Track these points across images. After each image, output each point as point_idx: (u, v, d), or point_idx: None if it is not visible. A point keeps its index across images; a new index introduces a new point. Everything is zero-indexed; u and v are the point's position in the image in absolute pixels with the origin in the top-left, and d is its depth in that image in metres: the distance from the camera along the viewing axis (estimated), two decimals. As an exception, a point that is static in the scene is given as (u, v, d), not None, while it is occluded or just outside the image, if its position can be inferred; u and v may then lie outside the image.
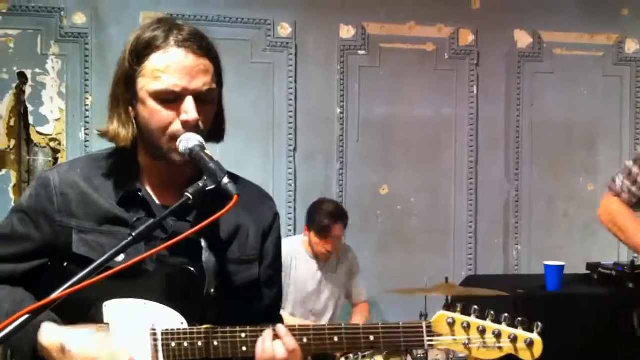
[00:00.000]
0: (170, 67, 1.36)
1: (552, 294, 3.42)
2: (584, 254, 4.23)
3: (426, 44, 4.37)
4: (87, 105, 3.99)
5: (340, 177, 4.25)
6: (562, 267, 3.44)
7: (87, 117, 3.98)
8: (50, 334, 1.32)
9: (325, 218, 3.61)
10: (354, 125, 4.27)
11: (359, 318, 3.79)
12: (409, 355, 3.00)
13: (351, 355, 3.00)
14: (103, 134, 1.46)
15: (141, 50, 1.38)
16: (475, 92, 4.39)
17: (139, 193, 1.44)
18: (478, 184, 4.41)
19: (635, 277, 3.47)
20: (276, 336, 1.34)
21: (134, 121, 1.43)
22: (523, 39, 4.46)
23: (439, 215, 4.39)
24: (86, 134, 3.98)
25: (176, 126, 1.37)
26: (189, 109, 1.36)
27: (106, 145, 1.53)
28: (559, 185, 4.50)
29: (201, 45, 1.40)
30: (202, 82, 1.38)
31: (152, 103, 1.37)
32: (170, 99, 1.37)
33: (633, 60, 4.54)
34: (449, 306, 1.33)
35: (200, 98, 1.38)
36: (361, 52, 4.29)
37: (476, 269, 4.39)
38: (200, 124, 1.38)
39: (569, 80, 4.50)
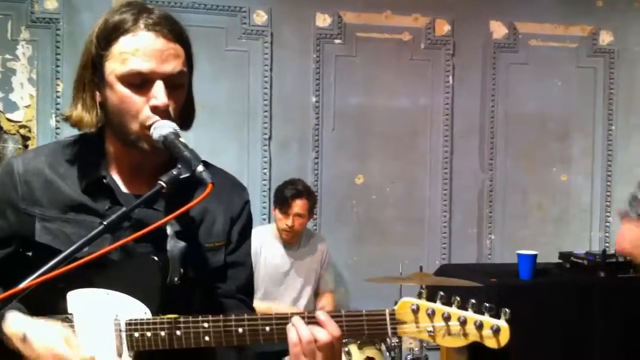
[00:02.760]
0: (139, 50, 1.33)
1: (524, 283, 3.46)
2: (557, 244, 4.28)
3: (402, 34, 4.36)
4: (58, 91, 3.93)
5: (316, 166, 4.24)
6: (534, 256, 3.47)
7: (58, 103, 3.91)
8: (14, 323, 1.29)
9: (287, 192, 3.62)
10: (330, 114, 4.26)
11: (321, 306, 3.79)
12: (382, 344, 3.01)
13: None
14: (66, 119, 1.43)
15: (109, 34, 1.35)
16: (450, 82, 4.40)
17: (104, 180, 1.41)
18: (453, 174, 4.42)
19: (607, 266, 3.52)
20: (316, 323, 1.29)
21: (98, 106, 1.39)
22: (499, 29, 4.47)
23: (414, 205, 4.40)
24: (57, 121, 3.92)
25: (146, 112, 1.34)
26: (159, 94, 1.33)
27: (77, 132, 1.49)
28: (533, 176, 4.53)
29: (172, 29, 1.37)
30: (172, 66, 1.35)
31: (120, 87, 1.34)
32: (139, 84, 1.33)
33: (607, 52, 4.57)
34: (421, 294, 1.29)
35: (171, 83, 1.35)
36: (337, 41, 4.26)
37: (450, 258, 4.41)
38: (171, 109, 1.36)
39: (543, 71, 4.52)
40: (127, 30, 1.34)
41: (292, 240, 3.72)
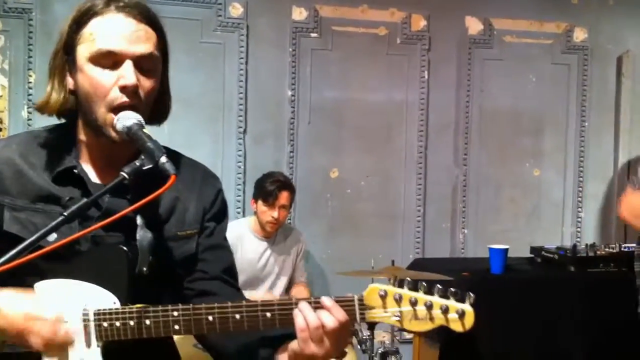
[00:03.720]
0: (108, 29, 1.34)
1: (496, 277, 3.49)
2: (529, 239, 4.33)
3: (379, 28, 4.37)
4: (31, 82, 3.88)
5: (291, 160, 4.24)
6: (505, 250, 3.51)
7: (30, 94, 3.87)
8: None
9: (272, 185, 3.64)
10: (305, 108, 4.26)
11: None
12: (353, 337, 3.02)
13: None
14: (35, 107, 1.43)
15: (81, 17, 1.36)
16: (426, 77, 4.42)
17: (74, 170, 1.41)
18: (427, 169, 4.45)
19: (576, 260, 3.57)
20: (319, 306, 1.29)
21: (67, 92, 1.40)
22: (474, 25, 4.50)
23: (389, 199, 4.42)
24: (29, 112, 3.87)
25: (114, 93, 1.34)
26: (127, 73, 1.33)
27: (49, 124, 1.50)
28: (506, 171, 4.58)
29: (142, 12, 1.37)
30: (143, 47, 1.35)
31: (90, 68, 1.34)
32: (109, 64, 1.34)
33: (581, 49, 4.63)
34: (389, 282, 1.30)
35: (141, 65, 1.35)
36: (313, 35, 4.26)
37: (424, 252, 4.44)
38: (140, 92, 1.35)
39: (518, 67, 4.55)
40: (97, 13, 1.35)
41: (270, 233, 3.72)
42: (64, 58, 1.38)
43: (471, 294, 1.24)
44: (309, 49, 4.26)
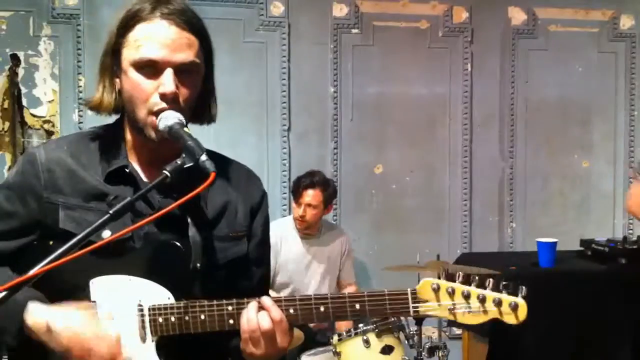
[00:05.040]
0: (152, 37, 1.36)
1: (544, 271, 3.44)
2: (579, 231, 4.25)
3: (420, 22, 4.34)
4: (80, 86, 3.98)
5: (335, 156, 4.25)
6: (554, 243, 3.45)
7: (81, 98, 3.96)
8: (36, 313, 1.31)
9: (300, 182, 3.66)
10: (348, 104, 4.27)
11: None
12: (401, 332, 3.02)
13: (344, 333, 3.01)
14: (87, 103, 1.47)
15: (127, 22, 1.39)
16: (469, 69, 4.38)
17: (126, 169, 1.44)
18: (472, 162, 4.41)
19: (628, 252, 3.49)
20: (261, 307, 1.34)
21: (117, 91, 1.43)
22: (517, 15, 4.44)
23: (434, 194, 4.39)
24: (80, 116, 3.98)
25: (154, 99, 1.37)
26: (167, 81, 1.36)
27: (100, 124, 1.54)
28: (554, 163, 4.50)
29: (187, 19, 1.39)
30: (183, 55, 1.38)
31: (133, 74, 1.37)
32: (150, 71, 1.37)
33: (628, 36, 4.52)
34: (438, 276, 1.31)
35: (181, 72, 1.38)
36: (354, 31, 4.27)
37: (471, 247, 4.40)
38: (180, 98, 1.38)
39: (563, 56, 4.48)
40: (143, 18, 1.38)
41: (309, 231, 3.74)
42: (111, 59, 1.42)
43: (523, 287, 1.24)
44: (350, 45, 4.26)
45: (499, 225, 4.48)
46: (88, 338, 1.29)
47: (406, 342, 3.08)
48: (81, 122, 3.97)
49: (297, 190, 3.67)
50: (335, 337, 3.04)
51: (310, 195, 3.62)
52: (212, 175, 1.25)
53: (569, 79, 4.49)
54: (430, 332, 4.13)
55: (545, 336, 3.22)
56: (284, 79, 4.18)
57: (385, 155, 4.33)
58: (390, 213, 4.34)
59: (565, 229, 4.36)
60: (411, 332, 3.04)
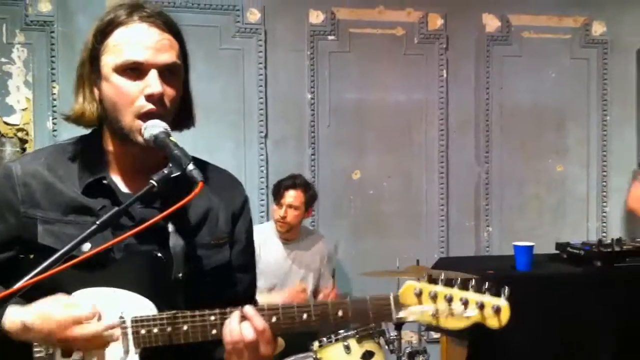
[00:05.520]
0: (133, 39, 1.36)
1: (521, 274, 3.47)
2: (554, 235, 4.29)
3: (396, 29, 4.37)
4: (54, 94, 3.93)
5: (312, 162, 4.26)
6: (531, 247, 3.48)
7: (55, 106, 3.92)
8: (11, 316, 1.29)
9: (281, 184, 3.68)
10: (325, 110, 4.27)
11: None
12: (381, 338, 3.03)
13: (324, 339, 3.01)
14: (68, 118, 1.45)
15: (105, 28, 1.38)
16: (445, 76, 4.41)
17: (104, 181, 1.42)
18: (449, 168, 4.44)
19: (603, 255, 3.54)
20: (244, 317, 1.33)
21: (98, 101, 1.41)
22: (491, 22, 4.49)
23: (411, 199, 4.41)
24: (54, 123, 3.93)
25: (140, 102, 1.36)
26: (153, 82, 1.35)
27: (75, 134, 1.52)
28: (529, 167, 4.55)
29: (166, 22, 1.40)
30: (167, 56, 1.38)
31: (115, 78, 1.36)
32: (134, 74, 1.36)
33: (600, 43, 4.59)
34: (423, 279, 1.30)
35: (165, 73, 1.38)
36: (331, 38, 4.28)
37: (448, 251, 4.43)
38: (166, 99, 1.37)
39: (537, 63, 4.53)
40: (121, 23, 1.37)
41: (289, 235, 3.73)
42: (90, 68, 1.41)
43: (506, 287, 1.22)
44: (327, 51, 4.27)
45: (475, 230, 4.51)
46: (61, 314, 1.27)
47: (387, 347, 3.09)
48: (55, 130, 3.92)
49: (278, 191, 3.67)
50: (316, 344, 3.04)
51: (292, 196, 3.63)
52: (200, 184, 1.25)
53: (542, 85, 4.55)
54: (408, 336, 4.16)
55: (525, 339, 3.24)
56: (261, 86, 4.18)
57: (363, 161, 4.35)
58: (369, 218, 4.35)
59: (540, 232, 4.40)
60: (392, 337, 3.04)
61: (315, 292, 3.88)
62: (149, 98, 1.35)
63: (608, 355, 3.30)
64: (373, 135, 4.35)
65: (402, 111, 4.38)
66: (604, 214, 4.62)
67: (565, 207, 4.61)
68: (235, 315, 1.33)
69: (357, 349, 2.97)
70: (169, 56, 1.38)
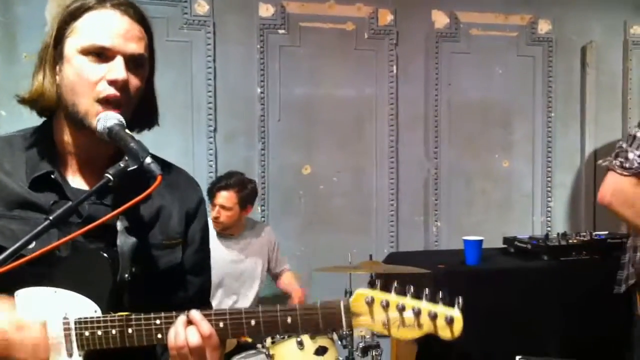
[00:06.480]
0: (103, 24, 1.31)
1: (471, 268, 3.51)
2: (501, 229, 4.36)
3: (346, 24, 4.36)
4: (-7, 85, 3.78)
5: (262, 157, 4.21)
6: (480, 241, 3.53)
7: (-7, 98, 3.76)
8: None
9: (214, 183, 3.64)
10: (275, 105, 4.23)
11: (287, 282, 3.84)
12: (334, 333, 3.01)
13: (277, 336, 2.97)
14: (23, 100, 1.38)
15: (74, 11, 1.33)
16: (394, 71, 4.42)
17: (52, 175, 1.36)
18: (399, 163, 4.45)
19: (550, 249, 3.61)
20: (190, 322, 1.28)
21: (57, 84, 1.35)
22: (440, 19, 4.52)
23: (362, 194, 4.41)
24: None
25: (102, 86, 1.31)
26: (119, 67, 1.30)
27: (15, 127, 1.45)
28: (477, 163, 4.61)
29: (137, 12, 1.36)
30: (134, 46, 1.33)
31: (79, 59, 1.31)
32: (99, 58, 1.31)
33: (545, 41, 4.68)
34: (372, 282, 1.27)
35: (131, 63, 1.33)
36: (281, 31, 4.23)
37: (398, 246, 4.45)
38: (130, 88, 1.33)
39: (484, 60, 4.59)
40: (92, 7, 1.33)
41: (229, 232, 3.69)
42: (53, 50, 1.35)
43: (460, 299, 1.20)
44: (277, 45, 4.23)
45: (424, 225, 4.55)
46: (16, 338, 1.24)
47: (340, 342, 3.08)
48: (-6, 123, 3.76)
49: (210, 191, 3.62)
50: (269, 340, 3.01)
51: (224, 197, 3.57)
52: (159, 178, 1.20)
53: (490, 82, 4.61)
54: (359, 330, 4.15)
55: (475, 332, 3.27)
56: (210, 79, 4.11)
57: (313, 156, 4.32)
58: (319, 214, 4.33)
59: (488, 227, 4.46)
60: (344, 333, 3.03)
61: (273, 278, 3.88)
62: (112, 83, 1.30)
63: (555, 346, 3.36)
64: (323, 130, 4.33)
65: (353, 106, 4.38)
66: (549, 209, 4.72)
67: (511, 202, 4.69)
68: (181, 319, 1.28)
69: (311, 345, 2.95)
70: (137, 47, 1.34)
